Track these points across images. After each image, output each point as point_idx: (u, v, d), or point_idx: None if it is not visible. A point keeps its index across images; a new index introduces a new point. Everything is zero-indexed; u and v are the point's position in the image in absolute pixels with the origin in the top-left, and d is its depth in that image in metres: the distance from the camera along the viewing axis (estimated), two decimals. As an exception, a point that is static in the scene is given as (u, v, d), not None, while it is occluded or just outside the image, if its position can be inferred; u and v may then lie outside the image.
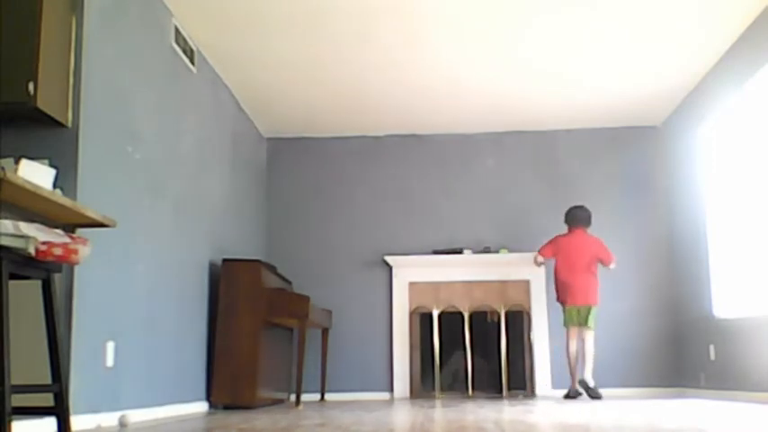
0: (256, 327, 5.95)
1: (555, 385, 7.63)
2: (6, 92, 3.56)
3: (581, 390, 6.86)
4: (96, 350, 4.12)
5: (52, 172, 3.34)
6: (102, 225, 3.46)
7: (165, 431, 3.79)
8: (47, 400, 3.55)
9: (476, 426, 3.73)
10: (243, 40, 5.89)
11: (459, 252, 7.73)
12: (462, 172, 8.07)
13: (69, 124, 3.93)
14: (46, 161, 3.68)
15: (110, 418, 4.23)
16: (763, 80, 5.62)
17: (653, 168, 7.94)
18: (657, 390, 7.57)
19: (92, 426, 4.02)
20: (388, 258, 7.78)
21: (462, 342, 7.97)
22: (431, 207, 8.03)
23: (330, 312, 7.57)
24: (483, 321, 8.10)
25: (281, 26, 5.67)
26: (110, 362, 4.25)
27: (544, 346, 7.65)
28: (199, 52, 5.98)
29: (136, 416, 4.57)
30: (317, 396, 7.73)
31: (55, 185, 3.84)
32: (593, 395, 6.69)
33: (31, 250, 2.69)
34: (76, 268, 3.91)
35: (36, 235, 2.71)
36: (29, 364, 3.62)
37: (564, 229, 7.83)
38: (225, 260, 6.05)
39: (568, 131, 8.08)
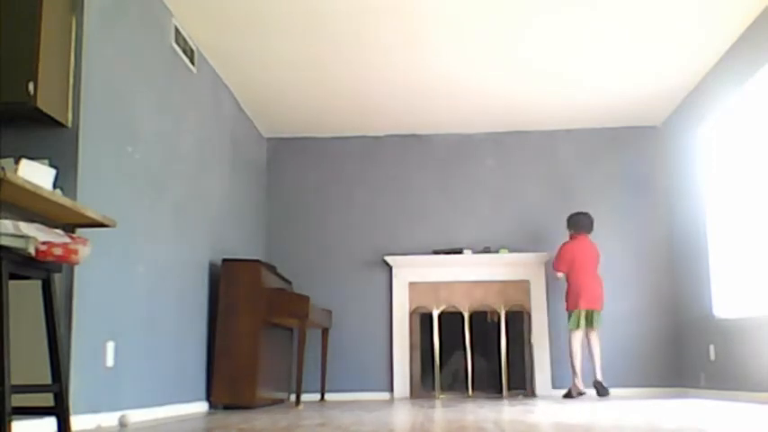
0: (256, 327, 5.95)
1: (555, 385, 7.63)
2: (6, 92, 3.56)
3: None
4: (96, 350, 4.12)
5: (52, 172, 3.34)
6: (102, 225, 3.46)
7: (165, 431, 3.79)
8: (47, 400, 3.55)
9: (476, 426, 3.73)
10: (243, 40, 5.89)
11: (459, 252, 7.73)
12: (462, 172, 8.07)
13: (69, 124, 3.93)
14: (46, 161, 3.68)
15: (110, 418, 4.23)
16: (763, 80, 5.62)
17: (653, 168, 7.94)
18: (657, 390, 7.57)
19: (92, 426, 4.02)
20: (388, 258, 7.78)
21: (462, 342, 7.97)
22: (431, 207, 8.03)
23: (330, 312, 7.57)
24: (483, 321, 8.10)
25: (281, 26, 5.67)
26: (110, 362, 4.25)
27: (544, 346, 7.65)
28: (199, 52, 5.98)
29: (136, 416, 4.57)
30: (317, 396, 7.73)
31: (55, 185, 3.84)
32: (604, 393, 6.88)
33: (31, 250, 2.69)
34: (76, 268, 3.91)
35: (36, 235, 2.71)
36: (29, 364, 3.62)
37: (563, 231, 7.82)
38: (225, 260, 6.05)
39: (568, 131, 8.08)
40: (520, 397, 7.34)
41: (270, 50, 6.08)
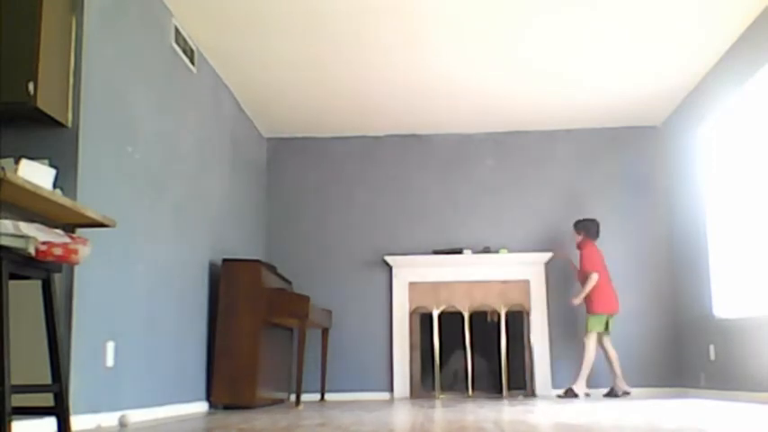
0: (256, 327, 5.95)
1: (555, 385, 7.63)
2: (6, 92, 3.56)
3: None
4: (96, 350, 4.12)
5: (52, 172, 3.34)
6: (102, 225, 3.46)
7: (165, 431, 3.79)
8: (47, 400, 3.55)
9: (476, 426, 3.73)
10: (243, 40, 5.89)
11: (459, 252, 7.73)
12: (462, 172, 8.07)
13: (69, 124, 3.93)
14: (46, 161, 3.68)
15: (110, 418, 4.23)
16: (763, 80, 5.62)
17: (653, 168, 7.94)
18: (657, 390, 7.57)
19: (92, 426, 4.02)
20: (388, 258, 7.78)
21: (462, 342, 7.97)
22: (431, 207, 8.03)
23: (330, 312, 7.57)
24: (483, 321, 8.10)
25: (281, 26, 5.67)
26: (110, 362, 4.25)
27: (544, 346, 7.65)
28: (199, 52, 5.98)
29: (136, 416, 4.57)
30: (317, 396, 7.73)
31: (55, 185, 3.84)
32: (623, 394, 7.04)
33: (31, 250, 2.69)
34: (76, 268, 3.91)
35: (36, 235, 2.71)
36: (29, 364, 3.62)
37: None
38: (225, 260, 6.05)
39: (568, 131, 8.07)
40: (520, 397, 7.34)
41: (270, 50, 6.08)
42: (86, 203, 4.02)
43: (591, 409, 5.15)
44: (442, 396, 7.60)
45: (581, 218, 7.67)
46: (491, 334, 8.01)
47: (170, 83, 5.33)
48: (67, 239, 2.83)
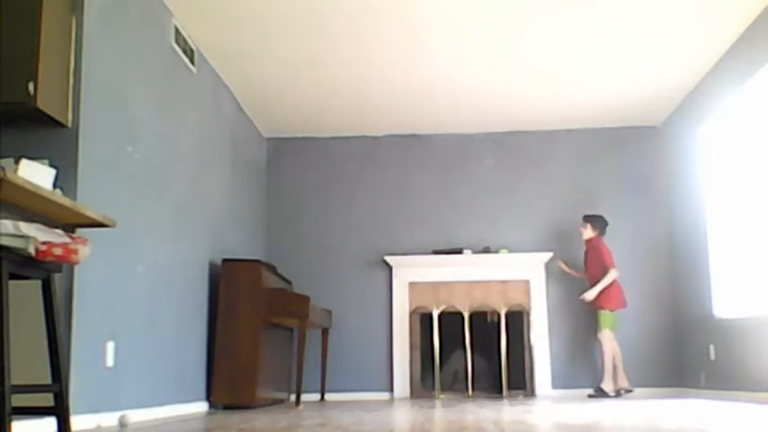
0: (256, 327, 5.95)
1: (555, 385, 7.63)
2: (6, 92, 3.56)
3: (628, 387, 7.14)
4: (96, 350, 4.12)
5: (52, 172, 3.34)
6: (102, 225, 3.46)
7: (165, 431, 3.79)
8: (47, 400, 3.55)
9: (476, 426, 3.73)
10: (243, 40, 5.89)
11: (459, 252, 7.73)
12: (462, 172, 8.07)
13: (69, 124, 3.93)
14: (46, 161, 3.68)
15: (110, 418, 4.23)
16: (763, 80, 5.62)
17: (653, 168, 7.94)
18: (657, 390, 7.57)
19: (92, 426, 4.02)
20: (388, 258, 7.78)
21: (462, 342, 7.96)
22: (431, 207, 8.03)
23: (330, 312, 7.57)
24: (483, 321, 8.10)
25: (281, 26, 5.67)
26: (110, 362, 4.25)
27: (544, 346, 7.66)
28: (199, 52, 5.98)
29: (136, 416, 4.57)
30: (317, 396, 7.73)
31: (55, 185, 3.84)
32: (625, 392, 7.08)
33: (31, 250, 2.69)
34: (76, 268, 3.91)
35: (36, 235, 2.71)
36: (29, 364, 3.62)
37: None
38: (225, 260, 6.05)
39: (568, 131, 8.07)
40: (520, 397, 7.34)
41: (270, 50, 6.08)
42: (86, 203, 4.02)
43: (591, 408, 5.15)
44: (442, 396, 7.60)
45: (589, 213, 7.65)
46: (491, 334, 8.01)
47: (170, 83, 5.33)
48: (67, 239, 2.83)
